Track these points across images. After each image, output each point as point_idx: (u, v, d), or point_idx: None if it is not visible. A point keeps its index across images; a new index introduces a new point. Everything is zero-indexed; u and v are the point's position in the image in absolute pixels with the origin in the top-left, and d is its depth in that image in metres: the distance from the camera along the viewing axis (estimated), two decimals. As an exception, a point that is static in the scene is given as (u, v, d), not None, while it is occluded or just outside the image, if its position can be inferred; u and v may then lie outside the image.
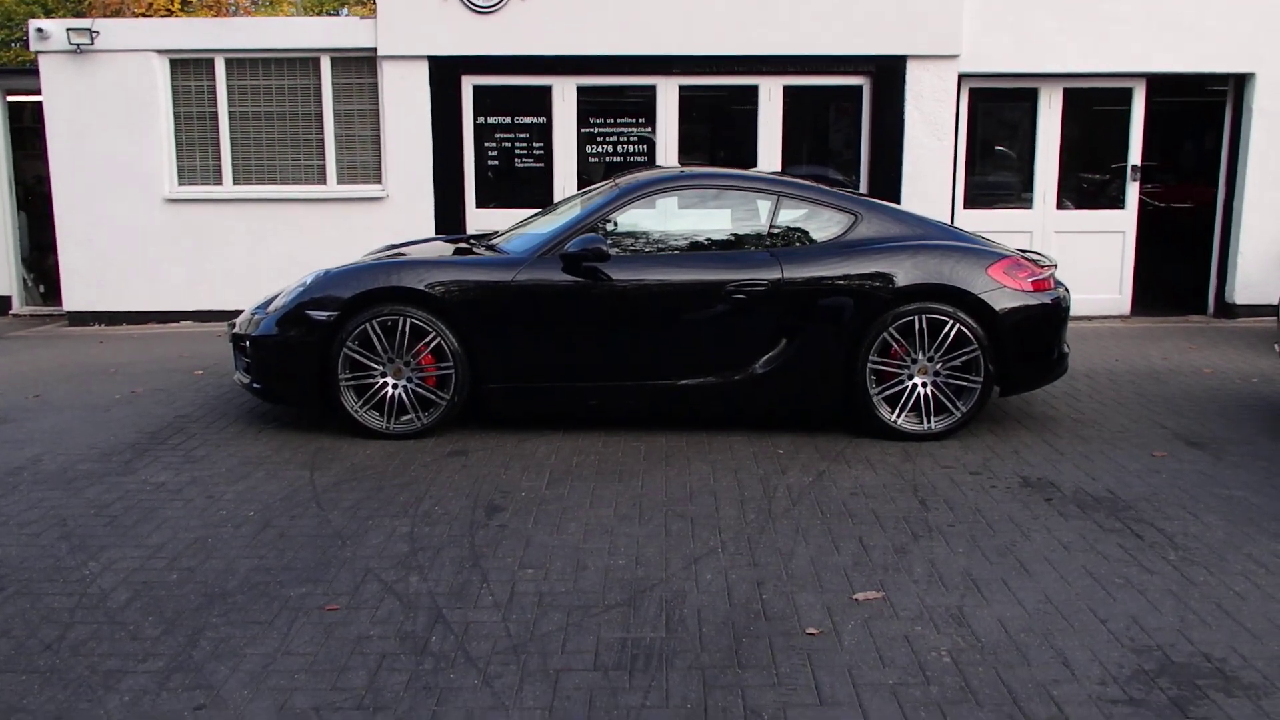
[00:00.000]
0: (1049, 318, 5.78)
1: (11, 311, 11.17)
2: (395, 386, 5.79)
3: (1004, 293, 5.67)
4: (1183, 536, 4.33)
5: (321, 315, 5.71)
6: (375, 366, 5.76)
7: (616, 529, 4.45)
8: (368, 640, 3.46)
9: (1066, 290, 6.01)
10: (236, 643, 3.45)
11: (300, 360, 5.77)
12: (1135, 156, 9.92)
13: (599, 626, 3.55)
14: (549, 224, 6.23)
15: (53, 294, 11.03)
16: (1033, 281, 5.76)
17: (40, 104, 10.12)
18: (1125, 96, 9.89)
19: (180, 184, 10.14)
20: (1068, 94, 9.91)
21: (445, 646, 3.41)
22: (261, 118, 10.09)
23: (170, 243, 10.09)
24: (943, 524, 4.50)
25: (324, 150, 10.07)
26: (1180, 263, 11.29)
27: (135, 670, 3.28)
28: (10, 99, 11.12)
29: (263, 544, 4.30)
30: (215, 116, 10.06)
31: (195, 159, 10.14)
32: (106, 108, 9.94)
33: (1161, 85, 10.10)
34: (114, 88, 9.92)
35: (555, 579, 3.94)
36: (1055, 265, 6.10)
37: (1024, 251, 6.16)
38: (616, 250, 5.85)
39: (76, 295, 10.23)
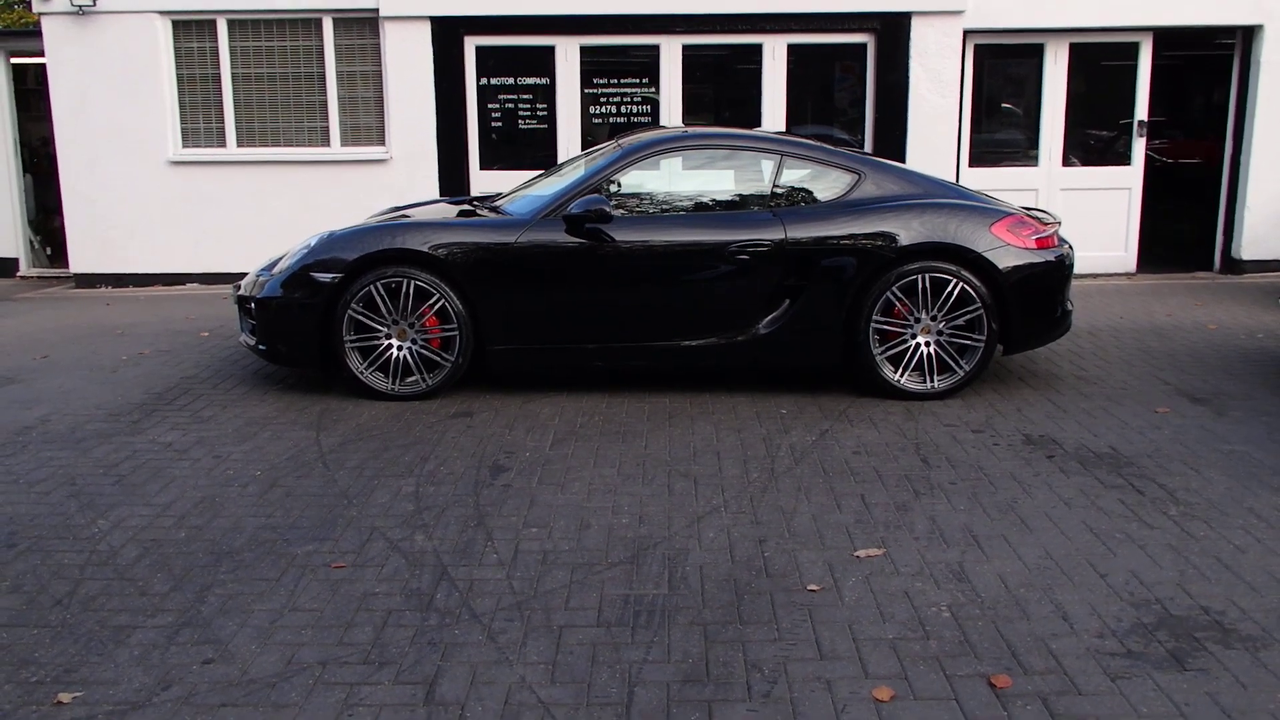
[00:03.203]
0: (1052, 275, 5.77)
1: (18, 274, 11.20)
2: (400, 348, 5.81)
3: (1007, 251, 5.66)
4: (1184, 492, 4.35)
5: (326, 277, 5.72)
6: (380, 328, 5.78)
7: (620, 488, 4.49)
8: (373, 597, 3.51)
9: (1070, 248, 5.99)
10: (244, 599, 3.50)
11: (305, 322, 5.78)
12: (1142, 112, 9.84)
13: (602, 583, 3.59)
14: (552, 185, 6.22)
15: (59, 256, 11.04)
16: (1036, 239, 5.74)
17: (44, 66, 10.08)
18: (1132, 51, 9.79)
19: (184, 146, 10.11)
20: (1074, 49, 9.80)
21: (450, 603, 3.46)
22: (264, 79, 10.04)
23: (174, 205, 10.08)
24: (944, 481, 4.52)
25: (327, 112, 10.02)
26: (1187, 219, 11.23)
27: (144, 625, 3.33)
28: (14, 61, 11.07)
29: (269, 503, 4.35)
30: (218, 78, 10.01)
31: (198, 121, 10.10)
32: (109, 70, 9.89)
33: (1169, 39, 9.99)
34: (116, 49, 9.87)
35: (559, 537, 3.98)
36: (1059, 223, 6.08)
37: (1028, 209, 6.14)
38: (620, 211, 5.84)
39: (82, 258, 10.24)
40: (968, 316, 5.66)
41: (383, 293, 5.72)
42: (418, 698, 2.91)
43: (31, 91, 11.40)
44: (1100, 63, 9.88)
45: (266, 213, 10.01)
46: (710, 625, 3.29)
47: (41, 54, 10.07)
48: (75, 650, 3.18)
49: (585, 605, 3.43)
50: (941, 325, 5.70)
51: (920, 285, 5.63)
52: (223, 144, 10.10)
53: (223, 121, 10.06)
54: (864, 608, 3.39)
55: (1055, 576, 3.60)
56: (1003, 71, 10.10)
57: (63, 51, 9.89)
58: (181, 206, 10.08)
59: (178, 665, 3.09)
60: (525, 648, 3.17)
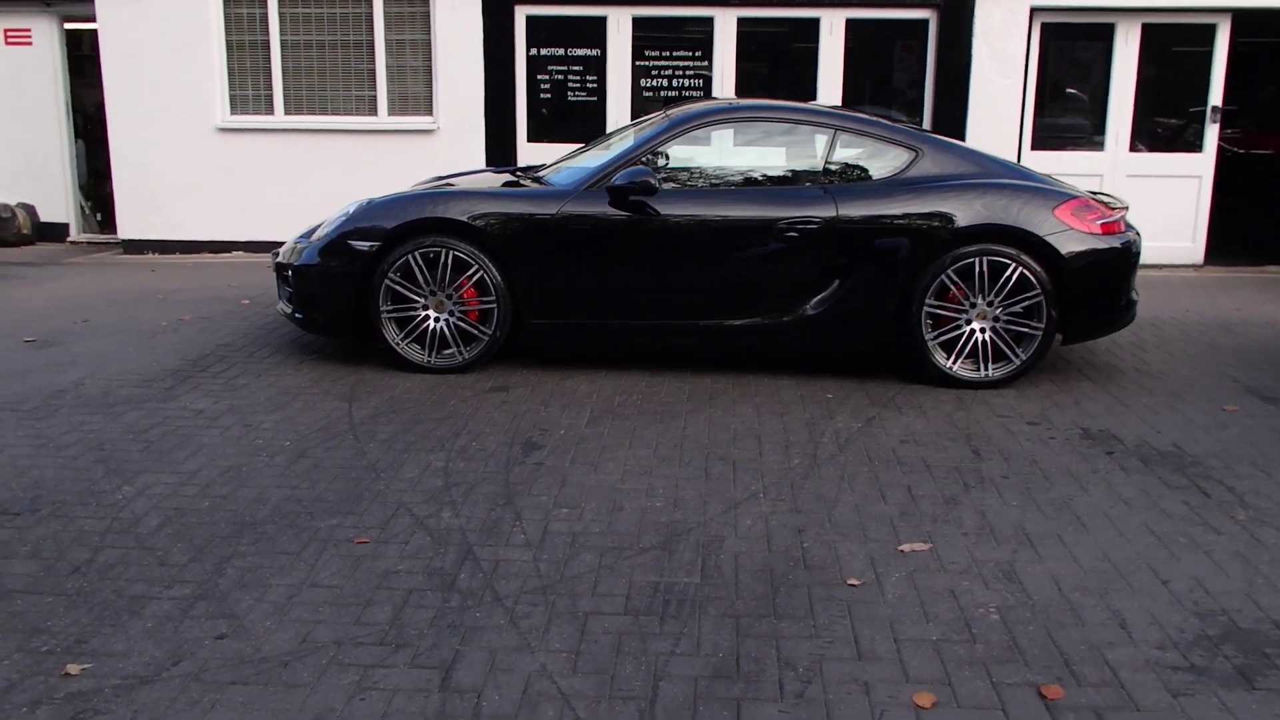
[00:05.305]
0: (1118, 262, 5.50)
1: (69, 239, 11.26)
2: (437, 320, 5.69)
3: (1071, 235, 5.40)
4: (1253, 495, 4.11)
5: (363, 245, 5.61)
6: (417, 299, 5.66)
7: (655, 470, 4.33)
8: (395, 575, 3.38)
9: (1138, 234, 5.72)
10: (263, 572, 3.39)
11: (341, 291, 5.68)
12: (1216, 97, 9.43)
13: (631, 569, 3.44)
14: (597, 156, 6.05)
15: (109, 222, 11.08)
16: (1102, 224, 5.48)
17: (97, 32, 10.09)
18: (1208, 35, 9.39)
19: (232, 113, 10.08)
20: (1146, 30, 9.43)
21: (473, 584, 3.33)
22: (313, 47, 9.96)
23: (222, 172, 10.06)
24: (996, 475, 4.31)
25: (375, 81, 9.93)
26: (1258, 212, 10.82)
27: (160, 596, 3.23)
28: (68, 26, 11.11)
29: (296, 474, 4.25)
30: (267, 45, 9.95)
31: (247, 88, 10.06)
32: (160, 36, 9.87)
33: (1247, 23, 9.57)
34: (167, 16, 9.84)
35: (589, 519, 3.83)
36: (1126, 207, 5.81)
37: (1094, 193, 5.87)
38: (666, 184, 5.66)
39: (130, 223, 10.26)
40: (1026, 303, 5.42)
41: (421, 263, 5.59)
42: (433, 683, 2.78)
43: (86, 57, 11.43)
44: (1173, 47, 9.49)
45: (312, 181, 9.95)
46: (743, 618, 3.12)
47: (95, 19, 10.08)
48: (88, 620, 3.09)
49: (613, 592, 3.28)
50: (998, 311, 5.46)
51: (977, 269, 5.40)
52: (271, 112, 10.05)
53: (271, 89, 10.01)
54: (907, 606, 3.21)
55: (1113, 581, 3.39)
56: (1069, 52, 9.74)
57: (114, 17, 9.89)
58: (229, 173, 10.06)
59: (190, 639, 2.99)
60: (548, 634, 3.03)
